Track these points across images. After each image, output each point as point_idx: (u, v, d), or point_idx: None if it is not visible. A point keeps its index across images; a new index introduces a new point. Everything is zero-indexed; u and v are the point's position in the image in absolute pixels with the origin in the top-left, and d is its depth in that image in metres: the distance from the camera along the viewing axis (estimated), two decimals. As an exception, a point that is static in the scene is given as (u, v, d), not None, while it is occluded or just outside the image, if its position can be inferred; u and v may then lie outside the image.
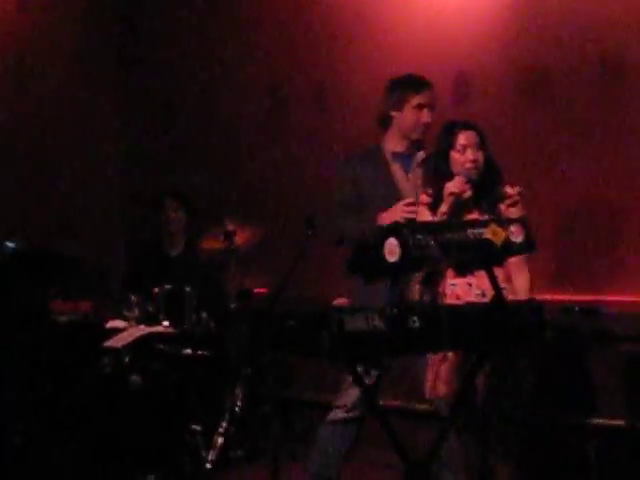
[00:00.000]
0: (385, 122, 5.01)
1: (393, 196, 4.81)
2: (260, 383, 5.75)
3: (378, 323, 3.56)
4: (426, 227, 3.66)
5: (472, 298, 4.30)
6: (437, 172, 4.55)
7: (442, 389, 4.33)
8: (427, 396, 4.45)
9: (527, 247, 3.83)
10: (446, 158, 4.53)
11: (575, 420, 5.50)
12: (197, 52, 7.49)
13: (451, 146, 4.51)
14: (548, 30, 5.87)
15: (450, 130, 4.54)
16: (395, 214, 4.65)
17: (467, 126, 4.53)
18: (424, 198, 4.53)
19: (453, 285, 4.36)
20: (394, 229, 3.58)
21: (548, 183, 5.75)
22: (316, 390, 6.35)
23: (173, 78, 7.61)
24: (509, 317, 3.76)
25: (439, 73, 6.20)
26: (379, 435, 3.73)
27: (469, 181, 4.45)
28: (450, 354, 4.24)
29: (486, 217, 4.27)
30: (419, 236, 3.52)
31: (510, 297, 4.27)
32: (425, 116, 4.90)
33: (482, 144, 4.52)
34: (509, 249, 3.78)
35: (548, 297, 5.34)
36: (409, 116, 4.92)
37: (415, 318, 3.60)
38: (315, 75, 6.86)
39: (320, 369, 5.27)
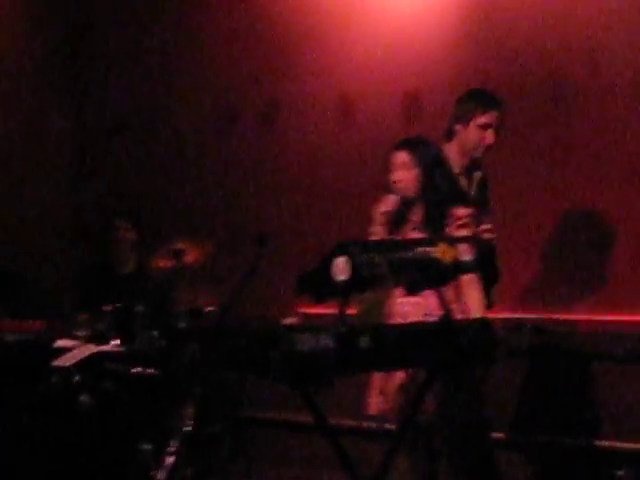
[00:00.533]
0: (449, 134, 4.83)
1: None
2: (211, 402, 5.72)
3: (328, 342, 3.56)
4: (375, 246, 3.66)
5: (419, 317, 4.31)
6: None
7: (385, 406, 4.34)
8: (370, 413, 4.46)
9: (476, 266, 3.85)
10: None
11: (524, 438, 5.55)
12: (147, 66, 7.45)
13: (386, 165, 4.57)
14: (498, 51, 5.92)
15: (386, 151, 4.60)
16: None
17: (398, 146, 4.57)
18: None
19: (401, 303, 4.38)
20: (343, 247, 3.58)
21: (498, 202, 5.78)
22: (272, 408, 6.34)
23: (123, 93, 7.56)
24: (458, 336, 3.78)
25: (389, 92, 6.27)
26: (330, 454, 3.73)
27: (401, 199, 4.50)
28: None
29: (436, 236, 4.29)
30: (368, 255, 3.53)
31: (460, 316, 4.30)
32: (489, 137, 4.76)
33: (417, 164, 4.53)
34: (458, 268, 3.80)
35: (506, 315, 5.41)
36: (472, 134, 4.77)
37: (365, 337, 3.61)
38: (265, 91, 6.86)
39: (275, 387, 5.26)
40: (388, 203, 4.48)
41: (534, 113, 5.85)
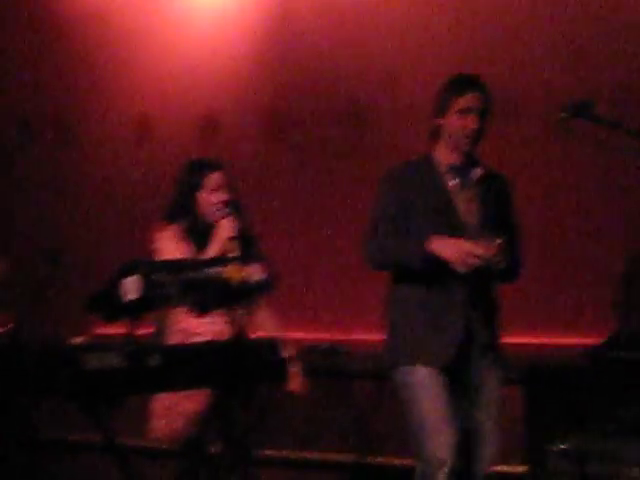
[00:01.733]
0: (434, 133, 4.21)
1: (448, 211, 4.06)
2: (2, 425, 5.60)
3: (117, 361, 3.56)
4: (165, 265, 3.69)
5: (211, 336, 4.35)
6: (181, 212, 4.54)
7: (169, 428, 4.36)
8: (153, 436, 4.45)
9: (265, 286, 3.92)
10: (192, 198, 4.51)
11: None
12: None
13: (199, 187, 4.49)
14: (296, 73, 6.04)
15: (198, 170, 4.52)
16: (453, 251, 3.88)
17: (216, 167, 4.53)
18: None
19: (194, 323, 4.41)
20: (132, 267, 3.59)
21: (289, 225, 5.90)
22: (64, 429, 6.25)
23: None
24: (248, 355, 3.84)
25: (186, 112, 6.30)
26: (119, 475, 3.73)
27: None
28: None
29: (226, 256, 4.32)
30: (157, 275, 3.56)
31: (253, 335, 4.38)
32: (471, 122, 4.07)
33: (229, 185, 4.57)
34: (247, 288, 3.87)
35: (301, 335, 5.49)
36: (453, 123, 4.11)
37: (155, 356, 3.62)
38: (61, 110, 6.79)
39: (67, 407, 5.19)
40: (230, 227, 4.43)
41: (332, 135, 5.98)
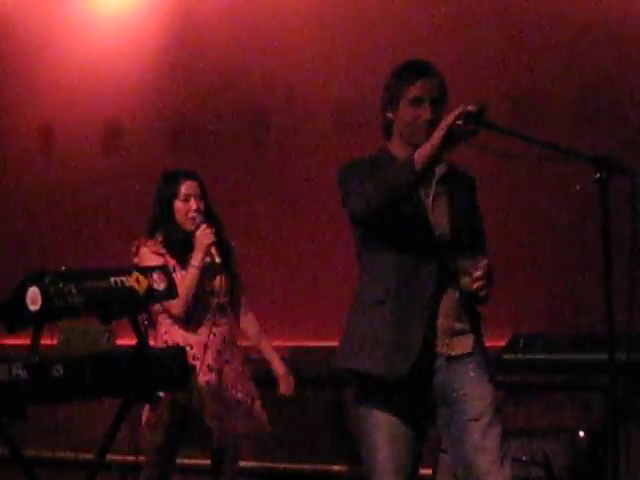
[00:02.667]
0: (386, 129, 3.75)
1: (417, 209, 3.60)
2: None
3: (20, 372, 3.55)
4: (69, 275, 3.67)
5: (196, 348, 4.46)
6: (160, 224, 4.58)
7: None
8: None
9: (169, 294, 3.94)
10: (170, 209, 4.56)
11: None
12: None
13: (174, 196, 4.55)
14: (198, 80, 6.05)
15: (171, 180, 4.59)
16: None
17: (189, 175, 4.60)
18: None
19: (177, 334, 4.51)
20: (36, 277, 3.58)
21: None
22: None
23: None
24: (152, 364, 3.86)
25: (89, 121, 6.25)
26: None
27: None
28: None
29: (129, 266, 4.32)
30: (61, 284, 3.55)
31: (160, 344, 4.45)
32: (425, 112, 3.60)
33: (203, 194, 4.60)
34: (152, 297, 3.88)
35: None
36: (405, 114, 3.65)
37: (59, 367, 3.62)
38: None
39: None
40: (207, 234, 4.46)
41: (230, 141, 6.00)
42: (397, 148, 3.67)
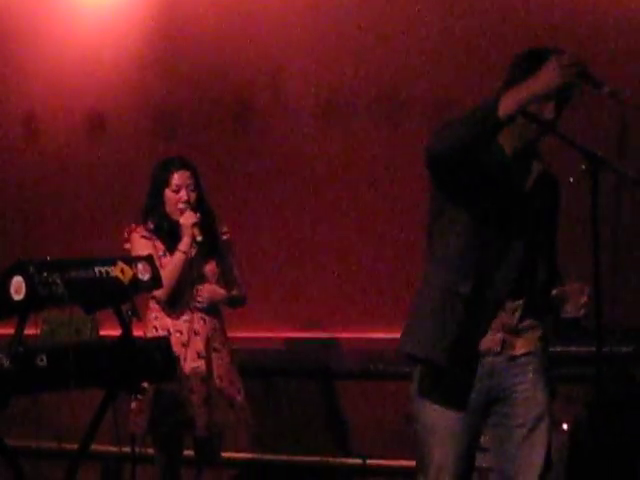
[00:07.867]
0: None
1: (514, 203, 3.37)
2: None
3: (4, 362, 3.54)
4: (53, 265, 3.66)
5: (187, 334, 4.43)
6: (152, 211, 4.55)
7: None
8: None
9: (154, 284, 3.94)
10: (161, 196, 4.54)
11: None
12: None
13: (165, 184, 4.53)
14: (182, 72, 6.02)
15: (164, 168, 4.56)
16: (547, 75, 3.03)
17: (183, 165, 4.56)
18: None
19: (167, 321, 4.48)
20: (20, 267, 3.57)
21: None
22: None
23: None
24: (136, 354, 3.86)
25: (72, 111, 6.22)
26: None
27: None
28: None
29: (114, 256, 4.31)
30: (45, 274, 3.54)
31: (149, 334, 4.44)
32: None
33: (196, 185, 4.56)
34: (137, 287, 3.88)
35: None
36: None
37: (43, 356, 3.61)
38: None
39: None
40: (191, 216, 4.47)
41: (217, 134, 5.98)
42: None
